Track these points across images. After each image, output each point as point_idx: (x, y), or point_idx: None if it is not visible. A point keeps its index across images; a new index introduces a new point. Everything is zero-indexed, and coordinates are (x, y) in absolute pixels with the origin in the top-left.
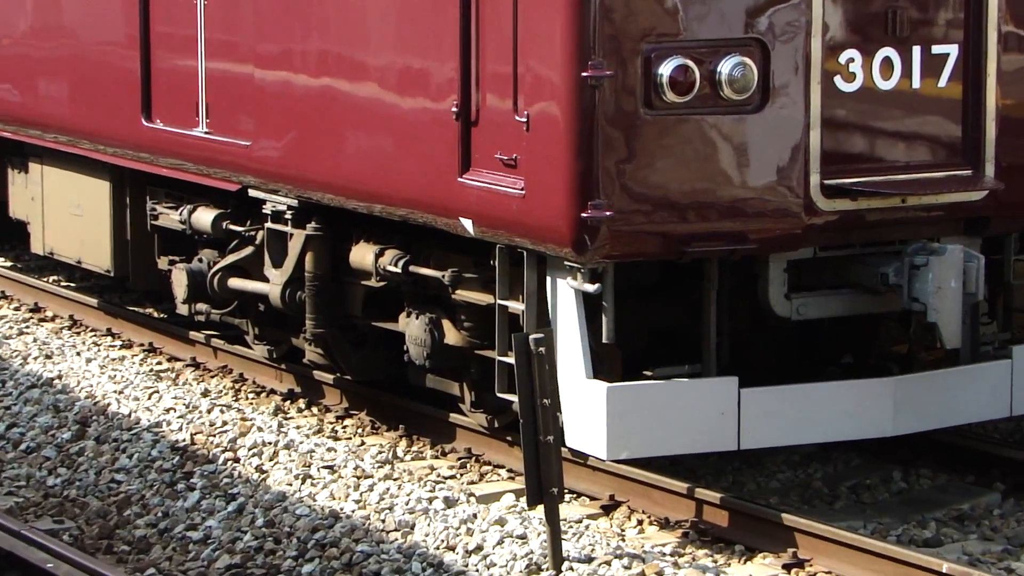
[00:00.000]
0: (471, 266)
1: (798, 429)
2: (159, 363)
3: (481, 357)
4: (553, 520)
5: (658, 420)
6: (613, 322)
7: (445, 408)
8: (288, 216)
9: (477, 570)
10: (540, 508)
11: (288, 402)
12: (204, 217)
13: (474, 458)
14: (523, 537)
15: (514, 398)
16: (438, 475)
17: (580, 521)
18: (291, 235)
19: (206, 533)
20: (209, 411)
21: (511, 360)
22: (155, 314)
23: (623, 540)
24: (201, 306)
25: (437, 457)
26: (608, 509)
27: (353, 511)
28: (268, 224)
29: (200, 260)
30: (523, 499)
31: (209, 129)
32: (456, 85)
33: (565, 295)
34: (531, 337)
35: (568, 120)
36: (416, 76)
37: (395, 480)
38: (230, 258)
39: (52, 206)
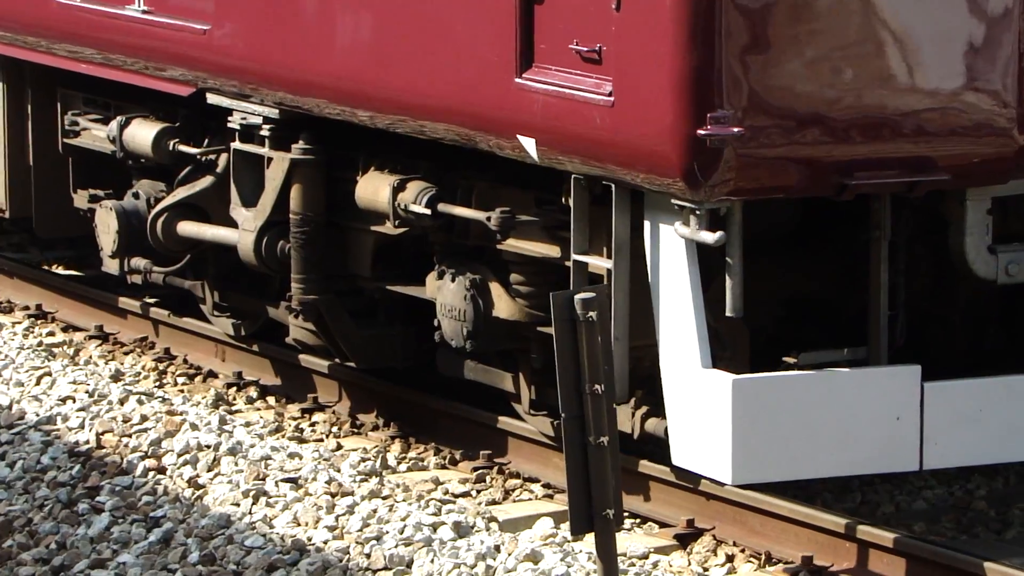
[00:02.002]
0: (530, 205)
1: (1006, 441)
2: (51, 334)
3: (546, 336)
4: (608, 554)
5: (806, 428)
6: (741, 287)
7: (489, 409)
8: (265, 132)
9: None
10: (589, 538)
11: (234, 389)
12: (142, 133)
13: (496, 467)
14: None
15: None
16: (445, 491)
17: (646, 557)
18: (269, 159)
19: (119, 572)
20: (122, 401)
21: None
22: (55, 269)
23: None
24: (138, 262)
25: (444, 466)
26: (685, 540)
27: (326, 542)
28: (236, 144)
29: (136, 196)
30: (565, 525)
31: (149, 7)
32: None
33: (671, 247)
34: (577, 297)
35: None
36: None
37: (385, 499)
38: (180, 193)
39: None
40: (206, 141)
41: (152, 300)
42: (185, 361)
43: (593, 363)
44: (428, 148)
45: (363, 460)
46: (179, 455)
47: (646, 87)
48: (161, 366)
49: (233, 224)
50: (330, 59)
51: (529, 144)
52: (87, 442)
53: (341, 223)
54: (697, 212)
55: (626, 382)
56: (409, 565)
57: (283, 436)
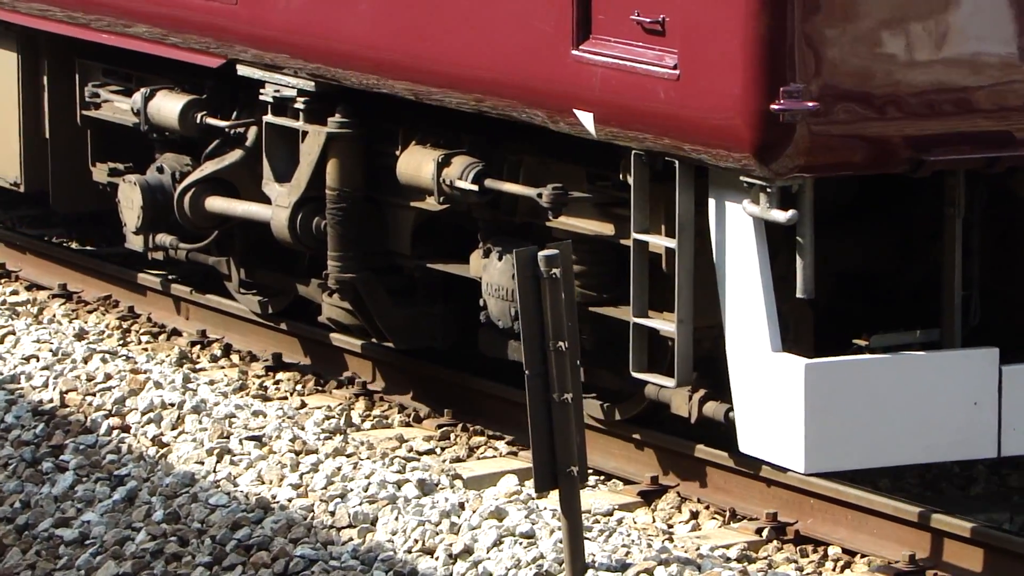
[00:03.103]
0: (582, 181)
1: None
2: (14, 293)
3: (598, 317)
4: (572, 511)
5: (880, 414)
6: (813, 267)
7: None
8: (300, 105)
9: None
10: (554, 495)
11: (198, 348)
12: (168, 106)
13: (460, 425)
14: (530, 536)
15: (656, 378)
16: (410, 449)
17: (610, 513)
18: (304, 133)
19: (83, 531)
20: (86, 360)
21: (655, 324)
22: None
23: (670, 540)
24: (163, 238)
25: (408, 424)
26: (650, 497)
27: (290, 500)
28: (268, 117)
29: (160, 170)
30: (530, 482)
31: None
32: None
33: (738, 226)
34: (541, 254)
35: None
36: None
37: (349, 457)
38: (208, 167)
39: None
40: (234, 113)
41: (115, 258)
42: (149, 319)
43: (557, 320)
44: (472, 121)
45: (327, 418)
46: (143, 413)
47: (715, 60)
48: (125, 324)
49: (264, 200)
50: (370, 30)
51: (587, 119)
52: (51, 401)
53: (379, 199)
54: (768, 190)
55: (690, 365)
56: (373, 523)
57: (247, 394)
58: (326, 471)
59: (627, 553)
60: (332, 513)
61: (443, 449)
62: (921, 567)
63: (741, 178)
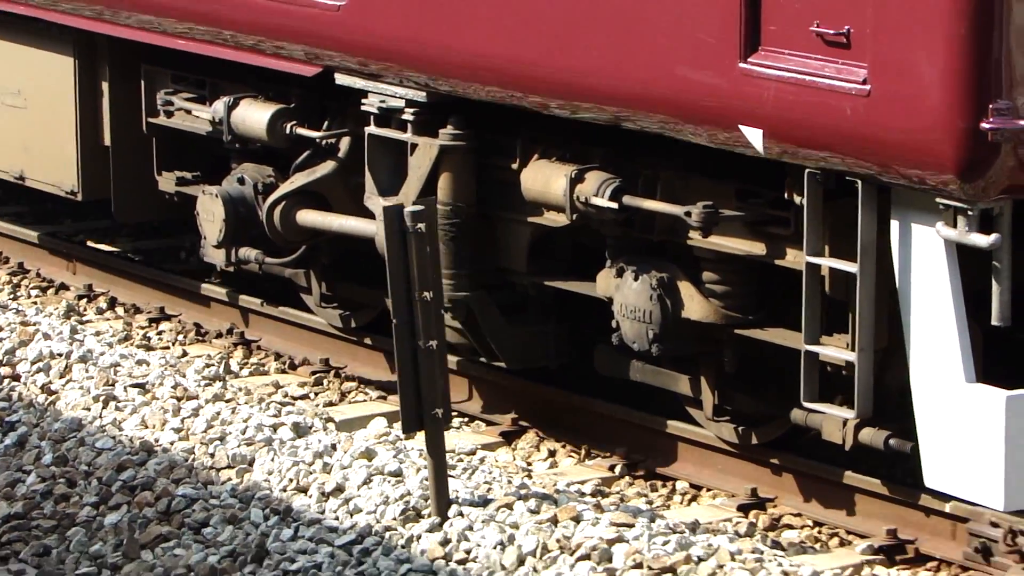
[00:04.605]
0: (729, 197)
1: None
2: None
3: (742, 339)
4: (436, 451)
5: None
6: (1010, 293)
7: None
8: (408, 116)
9: (336, 517)
10: (420, 436)
11: (85, 301)
12: (254, 115)
13: (333, 372)
14: (397, 474)
15: (833, 409)
16: (285, 395)
17: (473, 453)
18: (413, 146)
19: None
20: None
21: (831, 352)
22: None
23: (529, 476)
24: (247, 252)
25: (284, 371)
26: (510, 437)
27: (172, 443)
28: (371, 128)
29: (241, 181)
30: (397, 425)
31: None
32: None
33: (928, 249)
34: (407, 210)
35: None
36: None
37: (228, 402)
38: (298, 179)
39: None
40: (325, 123)
41: (5, 216)
42: (38, 274)
43: (422, 272)
44: (600, 132)
45: (207, 366)
46: (32, 363)
47: (913, 75)
48: (15, 280)
49: (358, 213)
50: (499, 40)
51: (754, 135)
52: None
53: (491, 213)
54: (969, 212)
55: (870, 395)
56: (251, 464)
57: (131, 344)
58: (206, 415)
59: (488, 489)
60: (212, 455)
61: (316, 394)
62: (761, 499)
63: (937, 200)
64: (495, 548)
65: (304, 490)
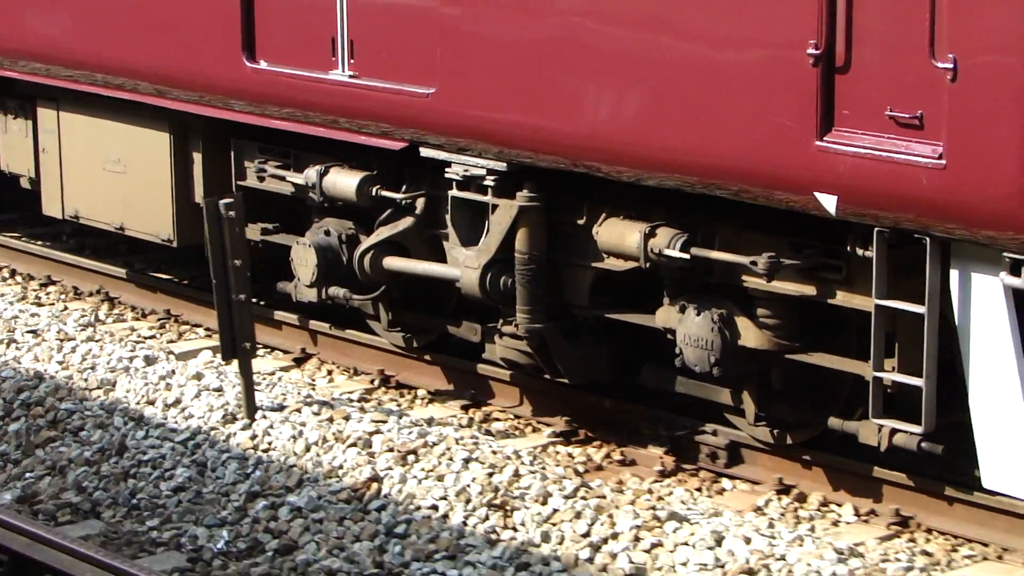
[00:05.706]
0: (783, 248)
1: None
2: None
3: (790, 363)
4: (246, 372)
5: None
6: None
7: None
8: (489, 182)
9: (176, 421)
10: (235, 362)
11: None
12: (344, 181)
13: (173, 319)
14: (219, 390)
15: (903, 425)
16: (138, 335)
17: (273, 373)
18: (494, 206)
19: None
20: None
21: (900, 379)
22: None
23: (313, 389)
24: (336, 290)
25: (138, 319)
26: (300, 361)
27: (57, 372)
28: (454, 192)
29: (327, 233)
30: (219, 355)
31: (355, 72)
32: (816, 19)
33: (989, 296)
34: (221, 203)
35: None
36: (744, 2)
37: (97, 342)
38: (384, 232)
39: (75, 160)
40: (403, 187)
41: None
42: None
43: (234, 245)
44: (662, 193)
45: (82, 316)
46: None
47: (987, 152)
48: None
49: (432, 259)
50: (584, 119)
51: (828, 201)
52: None
53: (559, 259)
54: None
55: (934, 413)
56: (114, 385)
57: (27, 302)
58: (81, 352)
59: (284, 398)
60: (86, 380)
61: (161, 334)
62: (478, 400)
63: (1004, 254)
64: (289, 440)
65: (152, 403)
